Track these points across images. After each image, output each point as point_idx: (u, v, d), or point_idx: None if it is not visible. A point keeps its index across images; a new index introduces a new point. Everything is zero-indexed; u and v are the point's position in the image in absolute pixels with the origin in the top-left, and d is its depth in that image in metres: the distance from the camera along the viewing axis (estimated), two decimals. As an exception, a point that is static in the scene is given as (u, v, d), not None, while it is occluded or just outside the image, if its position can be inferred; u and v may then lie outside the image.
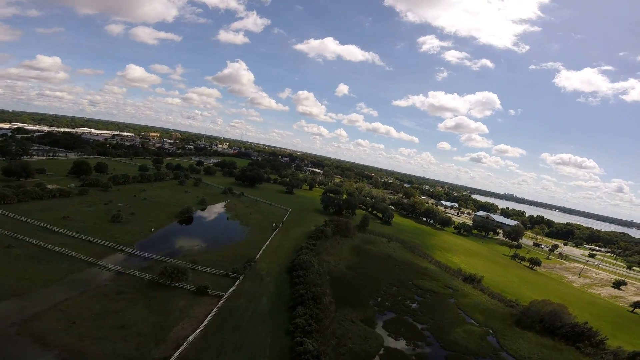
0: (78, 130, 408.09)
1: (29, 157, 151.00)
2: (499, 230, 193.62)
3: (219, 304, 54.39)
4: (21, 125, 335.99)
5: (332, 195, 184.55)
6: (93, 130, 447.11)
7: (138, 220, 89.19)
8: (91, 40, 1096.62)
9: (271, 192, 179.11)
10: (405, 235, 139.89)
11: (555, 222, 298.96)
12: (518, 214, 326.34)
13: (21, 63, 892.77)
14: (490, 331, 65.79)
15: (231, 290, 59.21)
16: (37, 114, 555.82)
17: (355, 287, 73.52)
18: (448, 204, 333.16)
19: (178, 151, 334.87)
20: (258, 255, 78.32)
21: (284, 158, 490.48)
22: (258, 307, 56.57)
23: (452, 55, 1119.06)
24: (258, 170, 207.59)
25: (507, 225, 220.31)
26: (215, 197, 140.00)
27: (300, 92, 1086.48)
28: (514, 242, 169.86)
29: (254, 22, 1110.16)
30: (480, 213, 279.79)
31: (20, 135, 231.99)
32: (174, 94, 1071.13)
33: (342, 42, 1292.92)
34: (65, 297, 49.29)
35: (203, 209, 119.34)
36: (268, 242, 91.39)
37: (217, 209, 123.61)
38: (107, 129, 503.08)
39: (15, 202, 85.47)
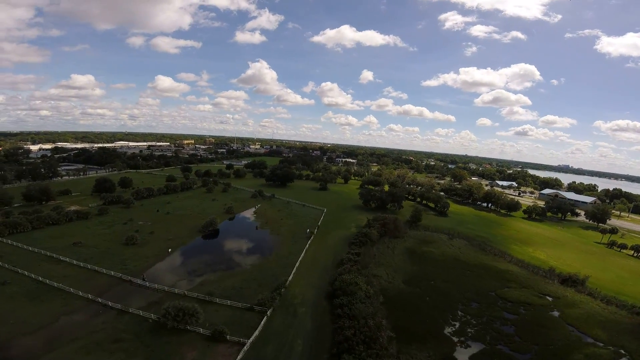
0: (116, 145, 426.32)
1: (59, 177, 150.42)
2: (577, 211, 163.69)
3: (239, 356, 40.48)
4: (62, 144, 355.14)
5: (371, 187, 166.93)
6: (131, 143, 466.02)
7: (156, 240, 78.87)
8: (117, 54, 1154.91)
9: (304, 191, 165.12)
10: (467, 228, 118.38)
11: (634, 194, 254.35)
12: (589, 189, 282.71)
13: (58, 83, 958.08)
14: (622, 351, 47.69)
15: (256, 333, 45.08)
16: (81, 133, 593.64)
17: (421, 310, 56.32)
18: (505, 183, 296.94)
19: (210, 156, 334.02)
20: (290, 277, 63.82)
21: (314, 152, 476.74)
22: (291, 357, 41.88)
23: (478, 30, 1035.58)
24: (289, 168, 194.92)
25: (583, 203, 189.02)
26: (245, 203, 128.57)
27: (323, 84, 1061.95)
28: (599, 224, 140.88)
29: (267, 19, 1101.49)
30: (547, 191, 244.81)
31: (58, 155, 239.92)
32: (204, 100, 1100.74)
33: (360, 28, 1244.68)
34: (48, 348, 39.42)
35: (231, 219, 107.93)
36: (302, 255, 76.77)
37: (245, 216, 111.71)
38: (144, 141, 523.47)
39: (30, 229, 78.94)
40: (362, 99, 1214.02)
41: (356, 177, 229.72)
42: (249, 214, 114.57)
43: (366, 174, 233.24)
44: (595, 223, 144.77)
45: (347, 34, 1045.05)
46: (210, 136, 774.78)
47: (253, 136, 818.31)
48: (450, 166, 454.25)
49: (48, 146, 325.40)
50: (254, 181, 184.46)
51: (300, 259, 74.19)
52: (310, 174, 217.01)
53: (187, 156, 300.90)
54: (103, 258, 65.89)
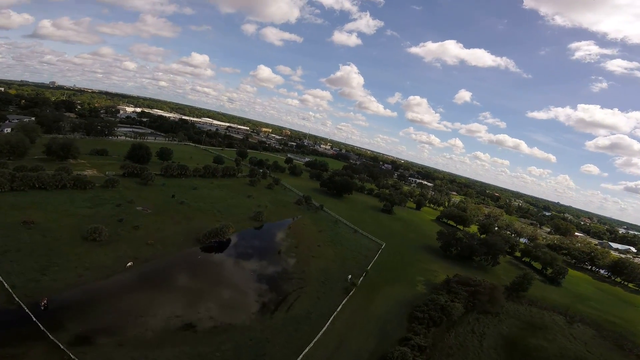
0: (201, 120, 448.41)
1: (113, 137, 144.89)
2: None
3: None
4: (157, 111, 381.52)
5: (451, 223, 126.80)
6: (215, 121, 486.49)
7: (130, 241, 55.73)
8: (231, 39, 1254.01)
9: (361, 209, 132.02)
10: (590, 307, 77.73)
11: None
12: None
13: (180, 59, 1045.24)
14: None
15: None
16: (181, 105, 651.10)
17: None
18: (620, 247, 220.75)
19: (279, 147, 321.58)
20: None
21: (385, 165, 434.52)
22: None
23: (616, 65, 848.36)
24: (350, 176, 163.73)
25: None
26: (283, 209, 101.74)
27: (411, 98, 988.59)
28: None
29: (366, 23, 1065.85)
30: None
31: (139, 118, 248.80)
32: (294, 95, 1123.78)
33: (467, 45, 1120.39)
34: None
35: (258, 227, 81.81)
36: (326, 326, 45.46)
37: (275, 229, 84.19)
38: (229, 122, 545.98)
39: (7, 190, 63.18)
40: (452, 120, 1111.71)
41: (432, 205, 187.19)
42: (281, 227, 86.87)
43: (446, 203, 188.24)
44: None
45: (451, 49, 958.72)
46: (289, 129, 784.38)
47: (328, 137, 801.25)
48: (545, 213, 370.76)
49: (138, 109, 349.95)
50: (308, 183, 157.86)
51: (319, 335, 43.07)
52: (375, 188, 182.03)
53: (255, 142, 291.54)
54: (30, 255, 44.21)
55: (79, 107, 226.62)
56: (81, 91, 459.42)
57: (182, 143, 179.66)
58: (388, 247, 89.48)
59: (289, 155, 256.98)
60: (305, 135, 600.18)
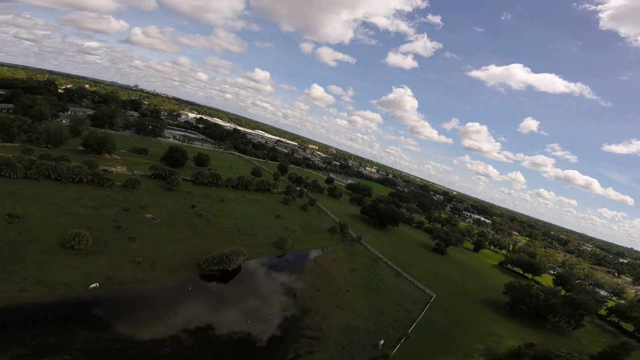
0: (254, 132, 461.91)
1: (162, 138, 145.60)
2: None
3: None
4: (214, 119, 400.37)
5: (518, 271, 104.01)
6: (266, 134, 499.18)
7: (118, 254, 46.12)
8: (290, 57, 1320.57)
9: (408, 245, 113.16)
10: None
11: None
12: None
13: (244, 74, 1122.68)
14: None
15: None
16: (239, 117, 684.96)
17: None
18: None
19: (322, 165, 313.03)
20: None
21: (437, 195, 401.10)
22: None
23: None
24: (397, 205, 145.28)
25: None
26: (313, 237, 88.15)
27: (469, 124, 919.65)
28: None
29: (423, 45, 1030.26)
30: None
31: (196, 124, 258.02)
32: (343, 116, 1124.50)
33: (536, 70, 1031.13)
34: None
35: (279, 256, 68.98)
36: None
37: (297, 262, 70.52)
38: (279, 136, 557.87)
39: (21, 176, 59.16)
40: (514, 150, 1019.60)
41: (492, 247, 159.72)
42: (306, 259, 72.95)
43: (510, 246, 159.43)
44: None
45: (518, 73, 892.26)
46: (335, 148, 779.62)
47: (374, 159, 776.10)
48: (622, 260, 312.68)
49: (198, 116, 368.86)
50: (348, 207, 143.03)
51: None
52: (425, 222, 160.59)
53: (299, 158, 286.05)
54: (-14, 262, 36.11)
55: (145, 107, 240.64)
56: (155, 95, 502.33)
57: (227, 151, 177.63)
58: (440, 299, 70.70)
59: (330, 174, 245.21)
60: (350, 155, 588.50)
